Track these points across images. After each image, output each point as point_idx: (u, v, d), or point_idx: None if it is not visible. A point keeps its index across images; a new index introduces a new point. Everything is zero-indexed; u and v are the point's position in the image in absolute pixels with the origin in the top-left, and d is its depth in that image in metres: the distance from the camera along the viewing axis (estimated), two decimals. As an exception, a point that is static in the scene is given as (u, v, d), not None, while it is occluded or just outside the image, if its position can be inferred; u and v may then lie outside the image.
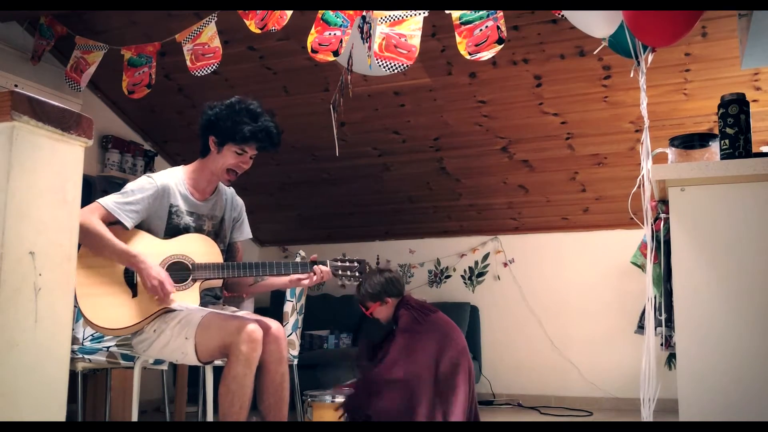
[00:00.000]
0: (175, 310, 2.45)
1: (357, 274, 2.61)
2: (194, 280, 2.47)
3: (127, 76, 3.90)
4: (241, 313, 2.56)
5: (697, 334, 1.93)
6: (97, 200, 2.42)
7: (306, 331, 5.00)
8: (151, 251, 2.44)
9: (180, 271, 2.47)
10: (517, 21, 3.70)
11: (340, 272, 2.60)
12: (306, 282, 2.58)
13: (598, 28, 2.56)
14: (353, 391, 3.39)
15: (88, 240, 2.35)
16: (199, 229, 2.58)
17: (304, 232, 6.13)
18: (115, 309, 2.37)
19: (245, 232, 2.80)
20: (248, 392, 2.32)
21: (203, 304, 2.53)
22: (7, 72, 4.02)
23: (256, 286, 2.72)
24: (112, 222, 2.41)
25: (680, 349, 1.96)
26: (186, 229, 2.54)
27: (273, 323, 2.51)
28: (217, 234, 2.65)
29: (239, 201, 2.79)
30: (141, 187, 2.49)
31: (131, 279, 2.42)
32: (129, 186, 2.51)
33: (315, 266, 2.57)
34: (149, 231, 2.50)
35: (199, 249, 2.50)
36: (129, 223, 2.42)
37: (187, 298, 2.45)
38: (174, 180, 2.57)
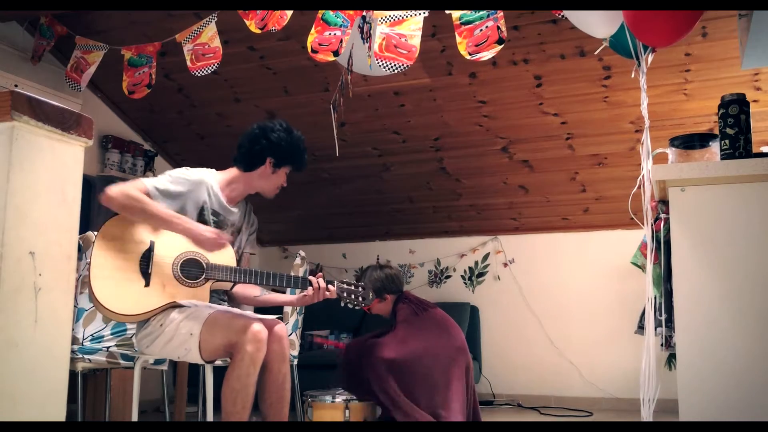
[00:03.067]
0: (182, 306, 2.47)
1: (360, 299, 2.67)
2: (206, 279, 2.49)
3: (128, 76, 3.90)
4: (247, 313, 2.58)
5: (697, 334, 1.93)
6: (141, 179, 2.48)
7: (306, 331, 5.00)
8: (170, 243, 2.47)
9: (193, 268, 2.49)
10: (517, 21, 3.70)
11: (345, 294, 2.66)
12: (306, 300, 2.61)
13: (598, 28, 2.56)
14: (346, 353, 3.40)
15: (129, 205, 2.38)
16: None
17: (304, 232, 6.13)
18: (126, 295, 2.38)
19: (254, 246, 2.87)
20: (251, 392, 2.33)
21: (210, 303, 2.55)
22: (7, 72, 4.02)
23: (260, 299, 2.75)
24: None
25: (680, 349, 1.95)
26: None
27: (276, 323, 2.52)
28: (232, 243, 2.68)
29: (255, 218, 2.88)
30: (181, 178, 2.55)
31: (146, 268, 2.43)
32: (169, 174, 2.56)
33: (319, 280, 2.60)
34: None
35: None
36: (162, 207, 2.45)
37: (197, 296, 2.47)
38: (210, 179, 2.64)
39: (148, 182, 2.47)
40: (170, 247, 2.48)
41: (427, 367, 3.25)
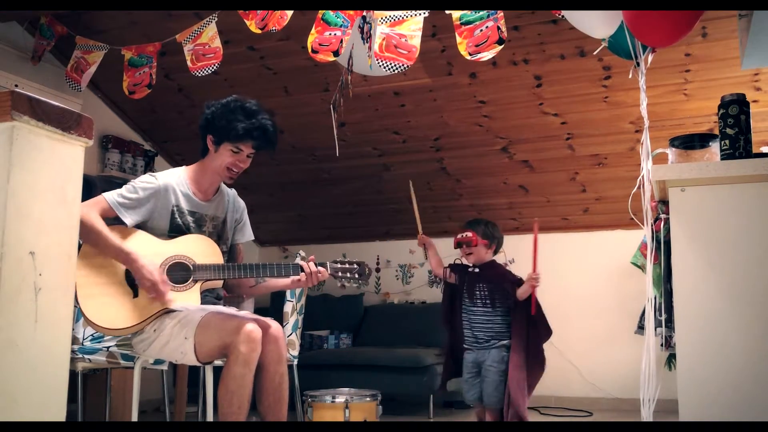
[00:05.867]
0: (175, 311, 2.45)
1: (357, 276, 2.61)
2: (195, 281, 2.47)
3: (128, 77, 3.90)
4: (240, 314, 2.56)
5: (697, 334, 1.93)
6: (103, 194, 2.44)
7: (306, 331, 5.00)
8: (152, 251, 2.44)
9: (181, 271, 2.47)
10: (517, 21, 3.70)
11: (339, 274, 2.59)
12: (301, 283, 2.57)
13: (598, 28, 2.56)
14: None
15: (85, 235, 2.36)
16: (199, 230, 2.58)
17: (304, 232, 6.13)
18: (115, 309, 2.37)
19: (247, 234, 2.80)
20: (247, 392, 2.32)
21: (204, 304, 2.53)
22: (7, 72, 4.02)
23: (257, 287, 2.72)
24: (113, 217, 2.43)
25: (680, 349, 1.95)
26: (188, 229, 2.54)
27: (272, 323, 2.51)
28: (219, 235, 2.65)
29: (241, 203, 2.80)
30: (143, 185, 2.50)
31: (132, 279, 2.42)
32: (132, 183, 2.52)
33: (310, 264, 2.54)
34: (152, 230, 2.50)
35: (200, 250, 2.50)
36: (128, 220, 2.43)
37: (187, 299, 2.45)
38: (176, 180, 2.58)
39: (110, 196, 2.43)
40: (154, 254, 2.43)
41: None
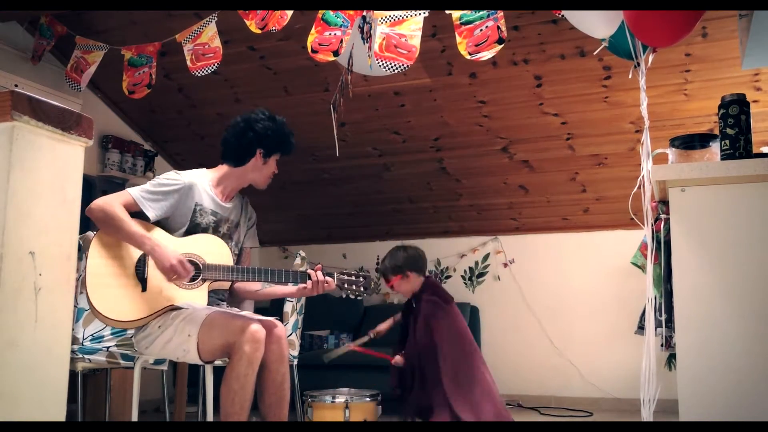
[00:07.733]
0: (180, 308, 2.46)
1: (362, 289, 2.65)
2: (203, 280, 2.48)
3: (128, 76, 3.90)
4: (244, 314, 2.57)
5: (697, 334, 1.93)
6: (127, 189, 2.47)
7: (306, 331, 5.00)
8: (165, 247, 2.45)
9: None
10: (517, 21, 3.70)
11: (345, 286, 2.65)
12: (306, 291, 2.59)
13: (598, 28, 2.56)
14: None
15: (105, 222, 2.38)
16: (216, 230, 2.61)
17: (304, 232, 6.13)
18: (123, 301, 2.38)
19: (255, 241, 2.85)
20: (250, 392, 2.33)
21: (208, 304, 2.54)
22: (7, 72, 4.02)
23: (261, 292, 2.74)
24: (136, 212, 2.45)
25: (680, 349, 1.95)
26: (205, 229, 2.58)
27: (275, 323, 2.52)
28: (230, 237, 2.68)
29: (253, 210, 2.86)
30: (168, 181, 2.54)
31: (142, 273, 2.43)
32: (157, 179, 2.56)
33: (317, 273, 2.58)
34: (172, 226, 2.53)
35: (211, 250, 2.52)
36: (151, 213, 2.45)
37: (194, 297, 2.46)
38: (201, 180, 2.62)
39: (135, 191, 2.46)
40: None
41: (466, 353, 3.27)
